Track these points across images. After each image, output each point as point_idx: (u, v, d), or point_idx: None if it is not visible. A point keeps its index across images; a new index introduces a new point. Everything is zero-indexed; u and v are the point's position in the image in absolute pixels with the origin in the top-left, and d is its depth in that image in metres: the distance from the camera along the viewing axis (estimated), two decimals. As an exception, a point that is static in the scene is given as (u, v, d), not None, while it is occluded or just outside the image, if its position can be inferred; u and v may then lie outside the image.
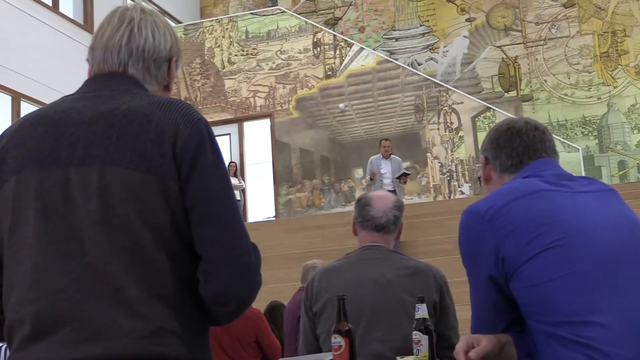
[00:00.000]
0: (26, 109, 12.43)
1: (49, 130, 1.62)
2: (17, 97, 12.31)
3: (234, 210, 1.60)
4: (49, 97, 12.67)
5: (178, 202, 1.56)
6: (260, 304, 5.73)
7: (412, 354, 2.45)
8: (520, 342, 1.85)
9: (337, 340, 2.29)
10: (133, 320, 1.49)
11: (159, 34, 1.76)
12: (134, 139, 1.56)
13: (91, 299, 1.50)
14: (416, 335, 2.41)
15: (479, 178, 2.18)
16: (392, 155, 11.61)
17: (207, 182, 1.58)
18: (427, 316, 2.43)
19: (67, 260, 1.53)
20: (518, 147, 2.05)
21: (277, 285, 8.73)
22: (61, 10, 13.82)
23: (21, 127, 1.68)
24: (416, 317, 2.44)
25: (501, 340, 1.86)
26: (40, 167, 1.59)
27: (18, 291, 1.56)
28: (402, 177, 11.20)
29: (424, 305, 2.45)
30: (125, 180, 1.54)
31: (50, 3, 13.53)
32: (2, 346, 5.89)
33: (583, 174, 12.27)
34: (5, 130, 1.72)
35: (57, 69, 13.02)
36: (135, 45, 1.73)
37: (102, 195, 1.54)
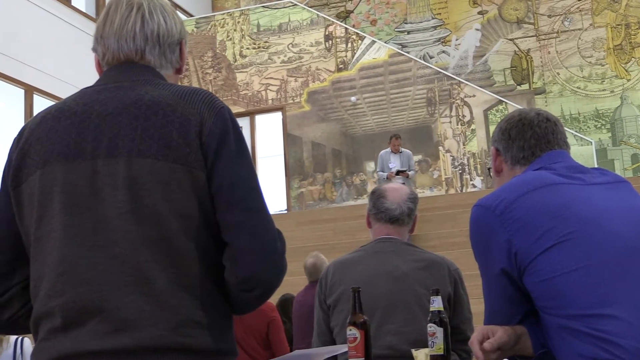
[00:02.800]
0: (39, 102, 12.47)
1: (73, 123, 1.63)
2: (30, 91, 12.36)
3: (259, 196, 1.61)
4: (62, 91, 12.73)
5: (205, 191, 1.57)
6: (272, 296, 5.74)
7: (426, 347, 2.45)
8: (535, 334, 1.85)
9: (353, 332, 2.29)
10: (160, 311, 1.50)
11: (169, 17, 1.76)
12: (159, 130, 1.57)
13: (119, 290, 1.51)
14: (431, 327, 2.41)
15: (489, 169, 2.17)
16: (402, 150, 11.62)
17: (233, 169, 1.58)
18: (442, 308, 2.43)
19: (94, 251, 1.53)
20: (530, 139, 2.03)
21: (289, 278, 8.65)
22: (74, 3, 13.85)
23: (43, 120, 1.68)
24: (431, 309, 2.44)
25: (517, 332, 1.86)
26: (66, 160, 1.59)
27: (46, 283, 1.57)
28: (400, 173, 11.22)
29: (439, 297, 2.45)
30: (152, 171, 1.55)
31: (62, -4, 13.57)
32: (17, 338, 5.92)
33: (596, 167, 12.19)
34: (27, 124, 1.72)
35: (70, 63, 13.05)
36: (150, 31, 1.72)
37: (129, 186, 1.54)
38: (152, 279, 1.51)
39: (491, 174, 2.17)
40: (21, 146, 1.67)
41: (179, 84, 1.77)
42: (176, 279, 1.53)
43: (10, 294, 1.67)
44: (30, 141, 1.66)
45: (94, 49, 1.78)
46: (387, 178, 11.43)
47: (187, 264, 1.55)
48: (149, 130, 1.57)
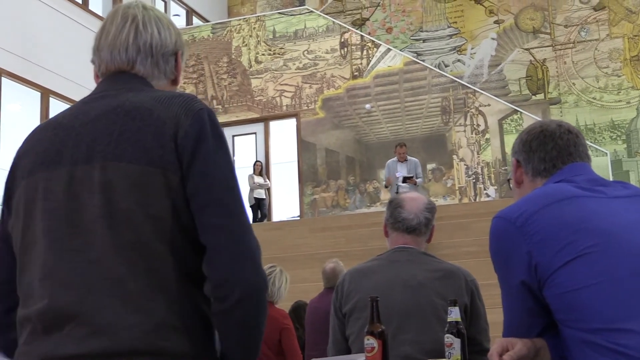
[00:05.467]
0: (55, 105, 12.54)
1: (57, 134, 1.66)
2: (46, 94, 12.43)
3: (237, 197, 1.59)
4: (78, 94, 12.78)
5: (179, 194, 1.56)
6: (284, 303, 5.74)
7: (442, 357, 2.44)
8: (554, 347, 1.84)
9: (370, 341, 2.28)
10: (137, 314, 1.51)
11: (163, 28, 1.78)
12: (135, 134, 1.58)
13: (96, 294, 1.52)
14: (448, 338, 2.40)
15: (508, 180, 2.16)
16: (408, 158, 11.62)
17: (209, 168, 1.57)
18: (459, 319, 2.42)
19: (72, 256, 1.55)
20: (551, 150, 2.02)
21: (301, 285, 8.73)
22: (91, 7, 13.93)
23: (33, 133, 1.74)
24: (448, 320, 2.43)
25: (536, 345, 1.84)
26: (47, 168, 1.63)
27: (29, 289, 1.60)
28: (407, 180, 11.22)
29: (457, 308, 2.44)
30: (126, 174, 1.55)
31: (80, 0, 13.64)
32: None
33: (611, 179, 12.16)
34: (26, 137, 1.77)
35: (86, 66, 12.98)
36: (143, 42, 1.75)
37: (104, 190, 1.56)
38: (128, 283, 1.52)
39: (511, 185, 2.16)
40: (15, 160, 1.72)
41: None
42: (152, 282, 1.53)
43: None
44: (20, 154, 1.71)
45: (92, 61, 1.81)
46: (385, 186, 11.45)
47: (162, 267, 1.54)
48: (124, 134, 1.58)
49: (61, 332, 1.52)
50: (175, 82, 1.83)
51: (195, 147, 1.57)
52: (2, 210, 1.73)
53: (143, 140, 1.57)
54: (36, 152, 1.66)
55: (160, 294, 1.53)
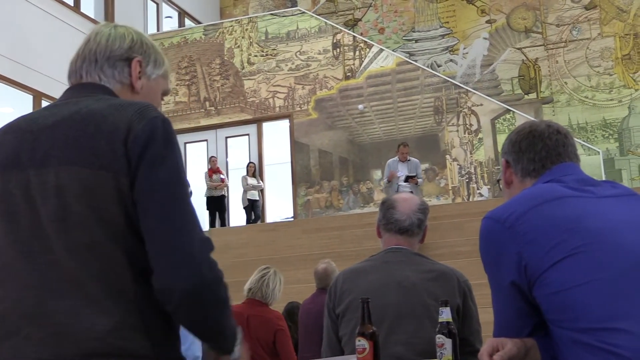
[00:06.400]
0: (47, 108, 12.51)
1: (16, 137, 1.68)
2: (38, 97, 12.41)
3: (177, 201, 1.59)
4: (70, 97, 12.78)
5: (129, 197, 1.57)
6: (278, 304, 5.73)
7: (434, 357, 2.45)
8: (545, 347, 1.84)
9: (362, 343, 2.29)
10: (95, 315, 1.52)
11: (113, 36, 1.81)
12: (89, 139, 1.59)
13: (55, 296, 1.53)
14: (440, 338, 2.40)
15: (497, 181, 2.16)
16: (409, 158, 11.64)
17: (153, 173, 1.58)
18: (450, 319, 2.42)
19: (31, 258, 1.57)
20: (540, 151, 2.02)
21: (295, 286, 8.73)
22: (82, 10, 13.91)
23: None
24: (440, 320, 2.43)
25: (527, 345, 1.85)
26: (3, 170, 1.65)
27: None
28: (409, 180, 11.23)
29: (448, 308, 2.44)
30: (78, 178, 1.57)
31: (71, 3, 13.63)
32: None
33: (603, 177, 12.19)
34: None
35: (78, 69, 13.08)
36: (88, 50, 1.81)
37: (58, 194, 1.58)
38: (86, 284, 1.53)
39: (501, 185, 2.16)
40: None
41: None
42: (109, 284, 1.54)
43: None
44: None
45: None
46: (388, 181, 11.45)
47: (118, 268, 1.56)
48: (79, 139, 1.60)
49: (20, 336, 1.53)
50: (133, 89, 1.82)
51: (143, 151, 1.57)
52: None
53: (96, 146, 1.58)
54: None
55: (118, 296, 1.54)
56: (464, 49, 15.09)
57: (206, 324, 1.60)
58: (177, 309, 1.56)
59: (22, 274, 1.57)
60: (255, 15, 16.07)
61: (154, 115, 1.63)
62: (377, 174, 14.04)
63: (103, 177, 1.56)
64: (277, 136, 15.12)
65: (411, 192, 10.72)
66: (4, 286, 1.58)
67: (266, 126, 15.25)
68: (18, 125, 1.71)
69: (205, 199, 13.63)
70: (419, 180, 11.55)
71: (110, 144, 1.57)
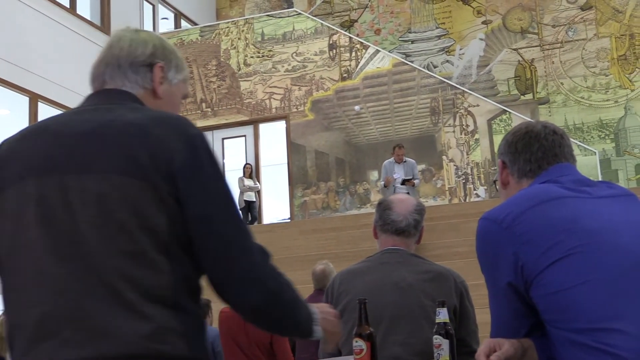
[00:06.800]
0: (43, 109, 12.51)
1: (49, 140, 1.68)
2: (34, 98, 12.40)
3: (232, 217, 1.67)
4: (66, 98, 12.76)
5: (174, 211, 1.60)
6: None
7: (431, 358, 2.45)
8: (542, 347, 1.85)
9: (359, 344, 2.29)
10: (134, 320, 1.54)
11: (136, 42, 1.82)
12: (131, 149, 1.61)
13: (93, 300, 1.54)
14: (437, 339, 2.41)
15: (494, 182, 2.17)
16: (405, 159, 11.65)
17: (204, 191, 1.63)
18: (447, 320, 2.43)
19: (68, 263, 1.57)
20: (537, 151, 2.03)
21: (293, 287, 8.71)
22: (78, 11, 13.90)
23: (23, 137, 1.74)
24: (437, 321, 2.44)
25: (524, 345, 1.85)
26: (40, 174, 1.64)
27: (21, 295, 1.61)
28: (406, 182, 11.25)
29: (445, 309, 2.45)
30: (121, 187, 1.58)
31: (67, 4, 13.61)
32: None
33: (600, 178, 12.21)
34: (5, 140, 1.78)
35: (75, 70, 13.06)
36: (111, 55, 1.82)
37: (100, 201, 1.59)
38: (125, 290, 1.55)
39: (497, 186, 2.17)
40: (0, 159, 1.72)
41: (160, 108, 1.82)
42: (149, 289, 1.57)
43: None
44: (7, 156, 1.71)
45: None
46: (385, 186, 11.47)
47: (160, 275, 1.58)
48: (120, 149, 1.61)
49: (58, 338, 1.53)
50: (155, 94, 1.83)
51: (188, 169, 1.61)
52: None
53: (138, 157, 1.60)
54: (27, 157, 1.67)
55: (157, 301, 1.57)
56: (460, 49, 15.11)
57: (282, 324, 1.76)
58: (252, 320, 1.74)
59: (60, 278, 1.56)
60: (252, 16, 16.07)
61: (192, 132, 1.67)
62: (373, 174, 14.04)
63: (145, 187, 1.59)
64: (273, 137, 15.12)
65: (407, 193, 10.73)
66: (42, 290, 1.57)
67: (263, 127, 15.25)
68: (48, 128, 1.71)
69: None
70: (416, 181, 11.56)
71: (153, 158, 1.60)
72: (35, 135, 1.71)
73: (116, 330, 1.52)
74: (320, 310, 1.86)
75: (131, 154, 1.60)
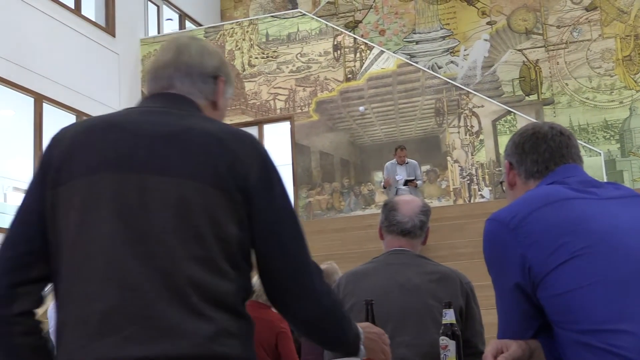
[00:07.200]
0: (48, 110, 12.53)
1: (124, 138, 1.69)
2: (39, 99, 12.41)
3: (298, 236, 1.75)
4: (71, 99, 12.79)
5: (245, 224, 1.67)
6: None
7: (438, 359, 2.45)
8: (549, 348, 1.84)
9: (365, 345, 2.28)
10: (199, 322, 1.58)
11: (204, 52, 1.88)
12: (211, 159, 1.66)
13: (161, 300, 1.57)
14: (443, 340, 2.41)
15: (500, 183, 2.17)
16: (407, 161, 11.66)
17: (275, 216, 1.71)
18: (454, 321, 2.43)
19: (140, 261, 1.59)
20: (544, 152, 2.03)
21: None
22: (83, 12, 13.92)
23: (89, 130, 1.74)
24: (443, 322, 2.44)
25: (531, 347, 1.85)
26: (116, 170, 1.65)
27: (84, 287, 1.61)
28: (409, 183, 11.27)
29: (451, 310, 2.44)
30: (202, 194, 1.63)
31: (72, 6, 13.63)
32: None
33: (605, 179, 12.19)
34: (67, 130, 1.77)
35: (79, 71, 13.11)
36: (181, 62, 1.84)
37: (179, 205, 1.62)
38: (192, 294, 1.59)
39: (504, 187, 2.17)
40: (64, 149, 1.71)
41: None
42: (214, 295, 1.61)
43: (28, 288, 1.68)
44: (75, 146, 1.70)
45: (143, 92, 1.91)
46: (384, 187, 11.48)
47: (224, 283, 1.64)
48: (200, 156, 1.66)
49: (121, 334, 1.55)
50: (215, 106, 1.88)
51: (263, 193, 1.69)
52: (36, 185, 1.72)
53: (218, 167, 1.65)
54: (100, 151, 1.68)
55: (220, 305, 1.62)
56: (465, 50, 15.10)
57: (332, 339, 1.85)
58: (304, 333, 1.86)
59: (130, 274, 1.58)
60: (256, 17, 16.07)
61: (265, 152, 1.74)
62: (378, 175, 14.02)
63: (222, 197, 1.64)
64: (278, 138, 15.11)
65: (409, 193, 10.74)
66: (109, 285, 1.58)
67: (267, 128, 15.25)
68: (121, 125, 1.72)
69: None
70: (419, 182, 11.57)
71: (231, 170, 1.65)
72: (104, 130, 1.72)
73: (182, 331, 1.55)
74: (364, 330, 1.95)
75: (211, 162, 1.65)
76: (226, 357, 1.60)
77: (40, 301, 1.70)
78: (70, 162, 1.68)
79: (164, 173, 1.64)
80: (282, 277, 1.72)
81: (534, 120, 11.99)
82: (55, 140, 1.74)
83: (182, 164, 1.64)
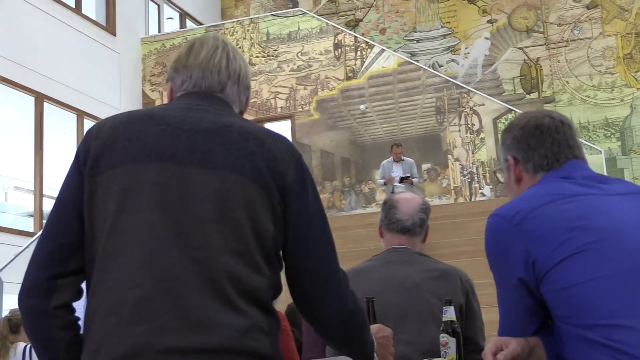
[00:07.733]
0: (49, 109, 12.53)
1: (166, 130, 1.71)
2: (40, 98, 12.42)
3: (329, 241, 1.78)
4: (72, 98, 12.80)
5: (280, 221, 1.70)
6: (280, 305, 5.73)
7: (438, 357, 2.45)
8: (550, 344, 1.84)
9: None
10: (233, 315, 1.59)
11: (244, 64, 1.92)
12: (250, 154, 1.69)
13: (197, 292, 1.58)
14: (444, 337, 2.40)
15: (494, 172, 2.15)
16: (403, 158, 11.69)
17: (308, 218, 1.74)
18: (454, 319, 2.43)
19: (179, 251, 1.60)
20: (552, 146, 2.00)
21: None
22: (84, 11, 13.92)
23: (131, 121, 1.74)
24: (443, 319, 2.44)
25: (531, 344, 1.85)
26: (158, 161, 1.67)
27: (121, 275, 1.61)
28: (404, 180, 11.29)
29: (452, 307, 2.44)
30: (242, 188, 1.65)
31: (73, 5, 13.64)
32: (25, 345, 5.92)
33: (605, 177, 12.15)
34: (106, 122, 1.78)
35: (80, 70, 13.11)
36: (233, 69, 1.87)
37: (219, 197, 1.64)
38: (227, 286, 1.60)
39: (498, 175, 2.15)
40: (104, 139, 1.71)
41: None
42: (248, 290, 1.63)
43: (68, 280, 1.68)
44: (116, 137, 1.71)
45: (171, 78, 1.89)
46: (385, 184, 11.49)
47: (258, 277, 1.66)
48: (240, 151, 1.69)
49: (155, 323, 1.55)
50: (242, 114, 1.92)
51: (299, 194, 1.72)
52: (72, 177, 1.72)
53: (257, 163, 1.68)
54: (142, 142, 1.69)
55: (253, 300, 1.64)
56: (466, 48, 15.09)
57: (352, 344, 1.87)
58: (324, 335, 1.87)
59: (168, 265, 1.59)
60: (257, 16, 16.07)
61: (300, 154, 1.78)
62: (378, 174, 14.03)
63: (262, 193, 1.67)
64: (278, 137, 15.11)
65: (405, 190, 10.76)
66: (146, 273, 1.59)
67: (268, 127, 15.22)
68: (162, 118, 1.73)
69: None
70: (414, 180, 11.60)
71: (269, 168, 1.69)
72: (144, 122, 1.73)
73: (216, 324, 1.56)
74: (376, 335, 1.98)
75: (251, 158, 1.68)
76: (256, 352, 1.61)
77: (79, 294, 1.71)
78: (111, 151, 1.69)
79: (205, 165, 1.66)
80: (310, 279, 1.75)
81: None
82: (92, 132, 1.75)
83: (222, 158, 1.67)
